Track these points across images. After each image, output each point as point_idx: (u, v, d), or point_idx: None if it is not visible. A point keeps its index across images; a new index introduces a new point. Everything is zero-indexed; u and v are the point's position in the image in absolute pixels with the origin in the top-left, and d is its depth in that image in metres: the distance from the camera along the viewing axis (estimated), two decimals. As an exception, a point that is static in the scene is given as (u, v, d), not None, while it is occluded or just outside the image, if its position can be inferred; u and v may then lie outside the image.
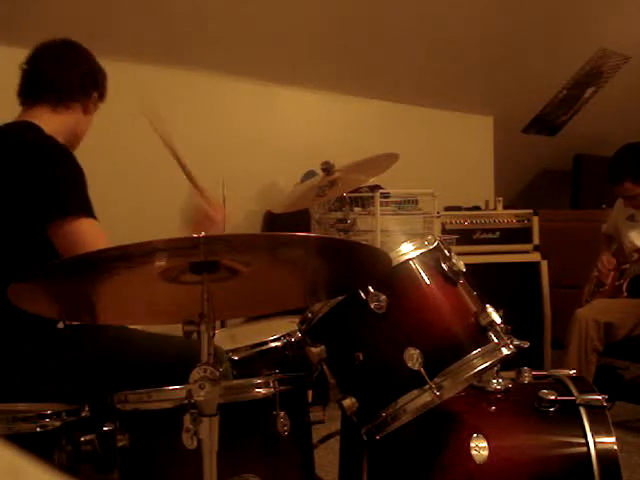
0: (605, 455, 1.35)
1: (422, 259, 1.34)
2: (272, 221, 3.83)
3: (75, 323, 1.67)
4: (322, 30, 3.72)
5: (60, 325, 1.64)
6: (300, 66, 3.90)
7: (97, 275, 1.04)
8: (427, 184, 3.54)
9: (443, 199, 3.58)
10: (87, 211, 1.56)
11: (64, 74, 1.73)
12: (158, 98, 3.53)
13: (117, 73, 3.23)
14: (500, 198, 3.93)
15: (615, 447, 1.36)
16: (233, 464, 1.22)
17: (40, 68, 1.74)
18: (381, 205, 3.38)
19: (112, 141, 3.30)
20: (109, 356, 1.58)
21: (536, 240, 3.75)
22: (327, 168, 2.06)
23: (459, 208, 3.89)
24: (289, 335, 1.74)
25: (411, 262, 1.33)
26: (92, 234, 1.53)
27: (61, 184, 1.57)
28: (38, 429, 1.28)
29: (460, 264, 1.36)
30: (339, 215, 3.30)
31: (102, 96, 1.84)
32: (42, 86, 1.73)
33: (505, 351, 1.32)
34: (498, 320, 1.32)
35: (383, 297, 1.28)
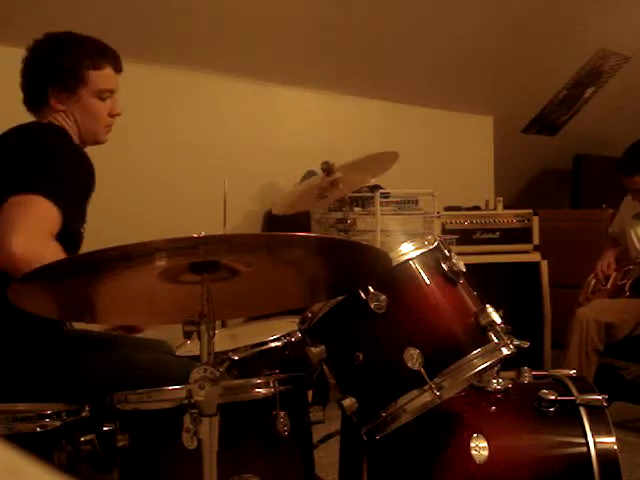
0: (605, 455, 1.35)
1: (422, 259, 1.34)
2: (272, 221, 3.83)
3: (77, 329, 1.67)
4: (322, 30, 3.72)
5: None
6: (300, 66, 3.90)
7: (97, 275, 1.04)
8: (427, 184, 3.54)
9: (443, 199, 3.58)
10: (42, 191, 1.47)
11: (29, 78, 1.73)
12: (158, 98, 3.54)
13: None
14: (500, 198, 3.93)
15: (615, 447, 1.36)
16: (233, 464, 1.22)
17: (27, 75, 1.74)
18: (381, 205, 3.38)
19: (110, 140, 3.30)
20: (111, 363, 1.59)
21: (536, 240, 3.75)
22: (327, 168, 2.07)
23: (459, 208, 3.89)
24: (289, 335, 1.74)
25: (411, 262, 1.33)
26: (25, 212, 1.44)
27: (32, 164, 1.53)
28: (38, 429, 1.28)
29: (460, 264, 1.36)
30: (339, 215, 3.30)
31: (64, 85, 1.70)
32: (36, 94, 1.72)
33: (505, 351, 1.32)
34: (498, 320, 1.32)
35: (383, 297, 1.28)
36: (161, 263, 1.02)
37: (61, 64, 1.69)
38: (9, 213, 1.43)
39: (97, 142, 1.80)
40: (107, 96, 1.75)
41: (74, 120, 1.72)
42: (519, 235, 3.76)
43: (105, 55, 1.74)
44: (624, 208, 3.27)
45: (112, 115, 1.78)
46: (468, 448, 1.36)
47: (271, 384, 1.30)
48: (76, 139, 1.72)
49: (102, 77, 1.73)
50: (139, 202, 3.43)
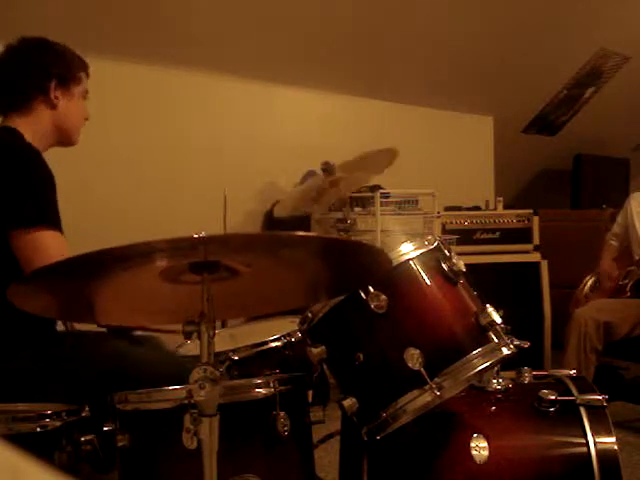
0: (605, 455, 1.34)
1: (422, 259, 1.34)
2: (272, 221, 3.82)
3: (76, 329, 1.67)
4: (322, 30, 3.72)
5: (60, 327, 1.65)
6: (300, 66, 3.90)
7: (97, 275, 1.03)
8: (427, 184, 3.54)
9: (443, 199, 3.59)
10: (47, 222, 1.54)
11: (12, 78, 1.71)
12: (158, 98, 3.54)
13: (116, 74, 3.25)
14: (500, 198, 3.93)
15: (615, 447, 1.36)
16: (233, 464, 1.22)
17: (22, 67, 1.73)
18: (381, 205, 3.38)
19: (111, 140, 3.30)
20: (108, 362, 1.59)
21: (536, 240, 3.75)
22: (327, 168, 2.07)
23: (459, 208, 3.89)
24: (289, 335, 1.74)
25: (411, 262, 1.33)
26: (51, 245, 1.52)
27: (23, 192, 1.55)
28: (38, 429, 1.28)
29: (460, 264, 1.36)
30: (339, 215, 3.30)
31: (66, 81, 1.74)
32: (2, 97, 1.73)
33: (506, 351, 1.32)
34: (498, 320, 1.32)
35: (383, 297, 1.28)
36: (161, 263, 1.02)
37: (63, 59, 1.74)
38: (36, 248, 1.51)
39: (70, 143, 1.80)
40: (85, 98, 1.82)
41: (51, 121, 1.72)
42: (519, 235, 3.76)
43: (83, 61, 1.82)
44: (631, 205, 3.22)
45: (86, 118, 1.83)
46: (468, 448, 1.36)
47: (271, 384, 1.30)
48: (40, 141, 1.70)
49: (85, 79, 1.81)
50: (139, 202, 3.43)
